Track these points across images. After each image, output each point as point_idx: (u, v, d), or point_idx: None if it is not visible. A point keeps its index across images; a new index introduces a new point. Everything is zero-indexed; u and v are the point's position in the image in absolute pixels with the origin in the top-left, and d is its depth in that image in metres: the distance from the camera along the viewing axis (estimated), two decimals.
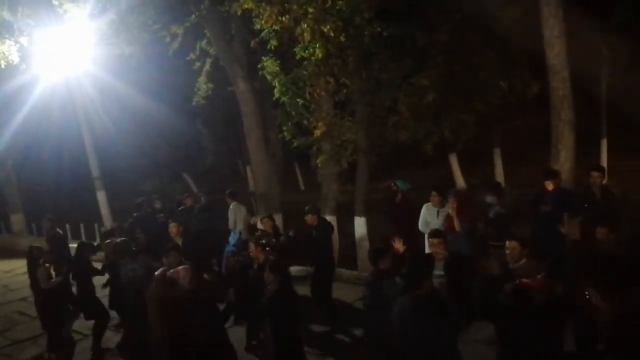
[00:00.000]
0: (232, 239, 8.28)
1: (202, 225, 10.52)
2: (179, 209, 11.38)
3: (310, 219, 8.48)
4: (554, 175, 8.08)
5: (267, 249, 7.26)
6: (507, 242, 5.97)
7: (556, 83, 8.76)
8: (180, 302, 5.32)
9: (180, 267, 5.48)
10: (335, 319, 8.10)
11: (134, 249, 7.80)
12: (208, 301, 5.65)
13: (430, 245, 6.47)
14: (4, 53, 9.82)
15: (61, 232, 11.04)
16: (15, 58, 9.95)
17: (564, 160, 8.81)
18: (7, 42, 9.95)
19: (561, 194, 7.86)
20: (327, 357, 7.25)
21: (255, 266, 7.16)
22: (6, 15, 9.73)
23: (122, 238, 8.30)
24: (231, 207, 10.59)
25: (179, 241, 8.40)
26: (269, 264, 6.31)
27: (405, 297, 4.80)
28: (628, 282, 4.77)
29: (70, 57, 12.42)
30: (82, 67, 12.91)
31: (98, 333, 8.12)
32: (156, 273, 6.19)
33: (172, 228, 8.71)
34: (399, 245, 6.33)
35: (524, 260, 5.89)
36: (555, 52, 8.66)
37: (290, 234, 8.87)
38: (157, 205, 11.40)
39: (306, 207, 8.66)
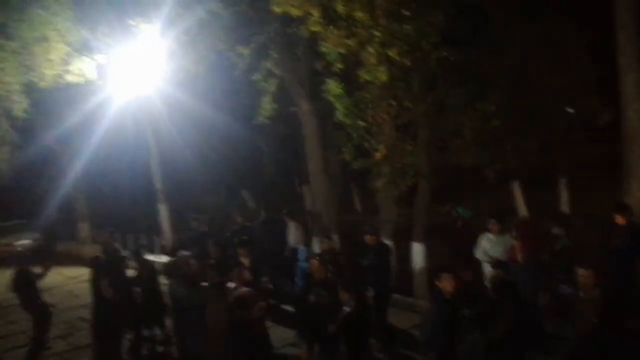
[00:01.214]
0: (301, 255, 8.30)
1: (267, 237, 10.87)
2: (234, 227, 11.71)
3: (369, 239, 8.50)
4: (625, 209, 7.75)
5: (330, 267, 7.35)
6: (582, 269, 5.70)
7: (630, 113, 8.43)
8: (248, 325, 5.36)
9: (245, 289, 5.53)
10: (392, 344, 8.00)
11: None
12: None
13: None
14: (82, 70, 10.31)
15: (117, 246, 11.43)
16: (93, 76, 10.44)
17: (635, 192, 8.43)
18: (86, 59, 10.46)
19: (633, 229, 7.52)
20: None
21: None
22: (86, 34, 10.24)
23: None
24: (291, 225, 10.84)
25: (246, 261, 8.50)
26: (341, 284, 6.43)
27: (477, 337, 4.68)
28: None
29: (142, 74, 12.91)
30: (152, 83, 13.39)
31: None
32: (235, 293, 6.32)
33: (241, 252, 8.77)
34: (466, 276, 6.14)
35: (597, 290, 5.65)
36: (631, 80, 8.32)
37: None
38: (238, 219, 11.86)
39: (364, 227, 8.68)
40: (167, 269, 7.70)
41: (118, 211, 19.00)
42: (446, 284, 5.70)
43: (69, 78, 10.55)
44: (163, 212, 16.46)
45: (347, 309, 6.15)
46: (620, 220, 7.65)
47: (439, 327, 5.56)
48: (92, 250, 15.92)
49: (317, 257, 7.53)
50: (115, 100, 13.66)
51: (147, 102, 14.73)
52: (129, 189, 21.37)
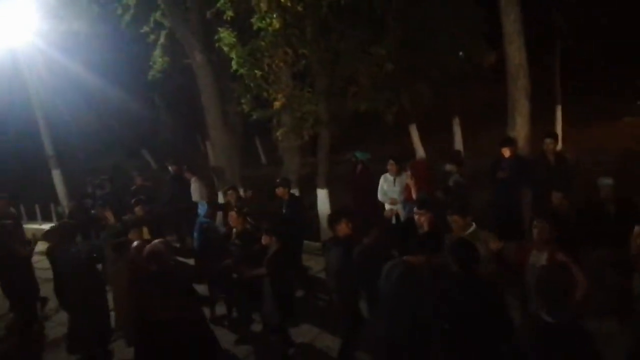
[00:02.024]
0: (201, 210, 8.21)
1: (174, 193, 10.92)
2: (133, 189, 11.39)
3: (281, 191, 8.57)
4: (510, 142, 8.27)
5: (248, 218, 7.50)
6: (448, 216, 5.69)
7: (512, 51, 8.85)
8: (153, 279, 5.25)
9: (157, 241, 5.42)
10: (311, 288, 8.22)
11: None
12: (181, 279, 5.58)
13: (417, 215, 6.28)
14: None
15: (15, 211, 10.78)
16: None
17: (520, 127, 8.96)
18: None
19: (517, 161, 8.05)
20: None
21: (234, 235, 7.37)
22: None
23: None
24: (193, 181, 10.70)
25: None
26: (265, 228, 6.68)
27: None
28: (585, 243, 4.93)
29: (15, 31, 11.93)
30: (28, 41, 12.41)
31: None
32: (131, 248, 6.19)
33: (138, 211, 8.50)
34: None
35: (473, 227, 5.70)
36: (511, 20, 8.73)
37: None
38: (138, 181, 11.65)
39: (277, 180, 8.74)
40: (48, 235, 7.23)
41: (6, 180, 17.70)
42: (341, 227, 5.91)
43: None
44: (57, 178, 15.53)
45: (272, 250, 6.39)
46: (506, 153, 8.16)
47: (341, 267, 5.79)
48: None
49: (235, 209, 7.54)
50: None
51: (27, 63, 13.68)
52: (15, 156, 20.00)
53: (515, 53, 8.81)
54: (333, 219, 6.08)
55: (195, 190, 10.81)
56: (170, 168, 11.84)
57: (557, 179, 7.41)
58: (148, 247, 5.37)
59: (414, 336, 4.65)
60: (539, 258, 5.00)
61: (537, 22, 13.06)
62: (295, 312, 6.74)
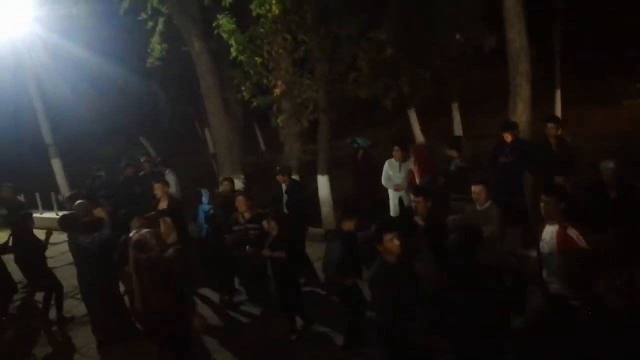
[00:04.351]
0: (205, 197, 8.21)
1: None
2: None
3: (281, 178, 8.58)
4: (512, 127, 8.25)
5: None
6: (473, 186, 6.11)
7: (512, 35, 8.79)
8: (150, 266, 5.25)
9: (145, 231, 5.37)
10: (314, 275, 8.27)
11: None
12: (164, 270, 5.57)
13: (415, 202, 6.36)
14: None
15: (24, 200, 10.88)
16: None
17: (521, 112, 8.93)
18: None
19: (519, 146, 8.05)
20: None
21: (242, 221, 7.46)
22: None
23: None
24: (167, 173, 10.85)
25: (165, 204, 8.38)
26: (270, 213, 6.78)
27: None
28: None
29: (13, 17, 11.85)
30: (27, 28, 12.33)
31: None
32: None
33: (157, 190, 8.57)
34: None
35: (489, 203, 6.10)
36: (512, 4, 8.66)
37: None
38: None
39: (277, 167, 8.74)
40: (62, 222, 7.26)
41: (4, 170, 17.68)
42: (350, 224, 6.07)
43: None
44: (57, 167, 15.54)
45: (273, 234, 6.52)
46: (507, 137, 8.15)
47: (341, 259, 5.89)
48: None
49: (243, 194, 7.65)
50: None
51: (27, 50, 13.61)
52: (15, 146, 19.98)
53: (516, 36, 8.75)
54: (347, 214, 6.19)
55: (171, 182, 10.59)
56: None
57: (558, 163, 7.42)
58: (135, 236, 5.35)
59: (399, 323, 4.67)
60: (550, 232, 5.00)
61: (537, 4, 12.97)
62: (301, 297, 6.83)
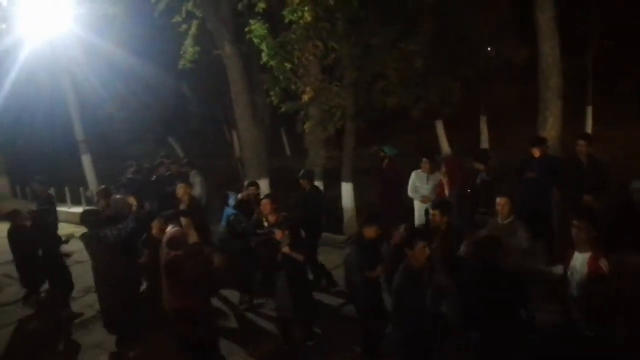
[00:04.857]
0: (232, 200, 8.25)
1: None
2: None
3: (304, 183, 8.59)
4: (540, 142, 8.14)
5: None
6: (498, 198, 6.07)
7: (546, 50, 8.73)
8: (168, 265, 5.35)
9: (174, 229, 5.50)
10: (332, 283, 8.27)
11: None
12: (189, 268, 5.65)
13: (432, 216, 6.46)
14: None
15: (53, 194, 11.11)
16: None
17: (551, 127, 8.86)
18: None
19: (547, 162, 7.94)
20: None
21: (267, 224, 7.45)
22: None
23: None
24: (193, 175, 10.85)
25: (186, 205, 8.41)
26: (281, 223, 6.63)
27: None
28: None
29: (53, 17, 12.14)
30: (65, 27, 12.63)
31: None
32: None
33: (180, 190, 8.66)
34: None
35: (513, 217, 6.03)
36: (547, 18, 8.59)
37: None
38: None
39: (301, 172, 8.74)
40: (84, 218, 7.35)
41: (38, 165, 18.08)
42: (371, 231, 6.00)
43: None
44: (86, 163, 15.87)
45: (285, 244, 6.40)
46: (536, 153, 8.04)
47: (357, 267, 5.91)
48: (11, 205, 15.24)
49: (269, 197, 7.62)
50: (25, 46, 12.82)
51: (63, 48, 13.94)
52: (48, 141, 20.44)
53: (549, 51, 8.68)
54: (369, 220, 6.14)
55: (197, 184, 10.67)
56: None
57: (589, 181, 7.31)
58: (170, 233, 5.45)
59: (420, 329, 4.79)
60: (581, 259, 4.89)
61: (572, 20, 12.84)
62: (312, 306, 6.78)
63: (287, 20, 9.59)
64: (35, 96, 17.03)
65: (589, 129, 15.51)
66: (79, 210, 14.14)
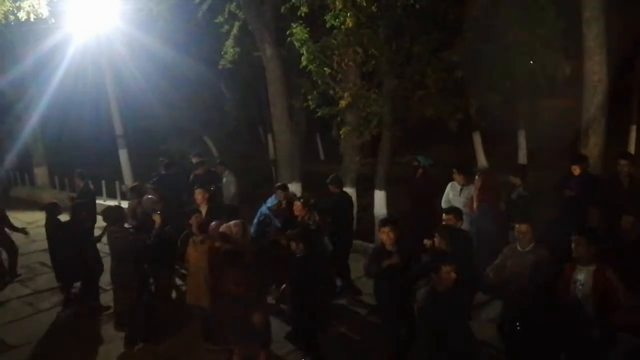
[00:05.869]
0: (270, 201, 8.27)
1: None
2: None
3: (333, 188, 8.55)
4: (581, 160, 7.95)
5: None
6: (518, 224, 5.65)
7: (592, 66, 8.48)
8: (223, 257, 5.52)
9: (232, 222, 5.71)
10: (357, 293, 8.20)
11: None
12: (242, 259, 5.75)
13: (444, 220, 6.49)
14: (33, 6, 9.71)
15: (93, 187, 11.34)
16: (44, 11, 9.83)
17: (593, 145, 8.61)
18: None
19: (587, 180, 7.74)
20: (339, 327, 7.33)
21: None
22: None
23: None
24: (226, 174, 10.85)
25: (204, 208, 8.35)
26: (294, 233, 6.45)
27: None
28: None
29: (100, 12, 12.42)
30: (111, 22, 12.91)
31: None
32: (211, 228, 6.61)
33: (198, 195, 8.59)
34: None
35: (533, 244, 5.62)
36: (594, 34, 8.36)
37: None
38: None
39: (330, 177, 8.69)
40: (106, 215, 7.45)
41: (77, 157, 18.50)
42: (384, 236, 5.78)
43: (20, 15, 9.89)
44: (123, 158, 16.17)
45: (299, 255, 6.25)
46: (576, 170, 7.85)
47: (376, 273, 5.79)
48: (50, 195, 15.65)
49: (301, 200, 7.65)
50: (72, 41, 13.16)
51: (107, 43, 14.24)
52: (89, 135, 20.90)
53: (596, 68, 8.44)
54: (381, 223, 5.99)
55: (229, 183, 10.72)
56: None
57: (629, 202, 7.08)
58: (221, 227, 5.63)
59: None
60: (583, 273, 4.96)
61: (620, 36, 12.50)
62: (322, 319, 6.60)
63: (328, 25, 9.63)
64: (82, 90, 17.42)
65: (632, 149, 15.06)
66: (113, 203, 14.42)
